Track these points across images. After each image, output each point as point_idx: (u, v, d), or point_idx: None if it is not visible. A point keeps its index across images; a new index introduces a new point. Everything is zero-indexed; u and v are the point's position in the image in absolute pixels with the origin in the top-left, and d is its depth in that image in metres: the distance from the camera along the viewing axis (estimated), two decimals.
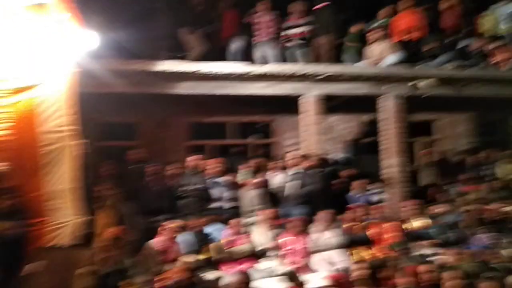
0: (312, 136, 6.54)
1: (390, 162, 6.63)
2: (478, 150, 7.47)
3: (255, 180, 5.94)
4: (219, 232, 5.26)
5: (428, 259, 4.84)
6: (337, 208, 5.67)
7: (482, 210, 5.94)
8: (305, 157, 6.23)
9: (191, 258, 4.59)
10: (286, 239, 5.21)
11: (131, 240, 3.82)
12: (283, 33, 6.60)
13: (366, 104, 6.87)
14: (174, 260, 4.59)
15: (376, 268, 4.32)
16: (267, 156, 7.33)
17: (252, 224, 5.62)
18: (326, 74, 6.46)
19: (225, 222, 5.51)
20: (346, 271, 4.51)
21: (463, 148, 8.00)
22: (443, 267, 4.41)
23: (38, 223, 4.18)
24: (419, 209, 5.90)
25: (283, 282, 4.44)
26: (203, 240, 5.07)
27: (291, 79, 6.50)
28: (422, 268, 4.23)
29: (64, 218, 4.20)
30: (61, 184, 4.18)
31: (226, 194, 5.81)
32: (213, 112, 7.41)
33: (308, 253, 5.15)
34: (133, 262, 3.53)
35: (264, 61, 6.41)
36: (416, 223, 5.73)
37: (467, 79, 6.84)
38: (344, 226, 5.51)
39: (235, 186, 5.98)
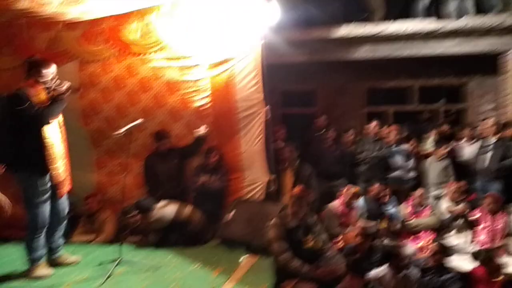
0: None
1: None
2: None
3: (442, 150, 5.43)
4: (394, 203, 5.08)
5: None
6: None
7: None
8: (506, 125, 5.35)
9: (369, 224, 4.57)
10: (478, 216, 4.67)
11: (312, 201, 4.03)
12: None
13: None
14: (352, 224, 4.66)
15: None
16: (456, 123, 6.58)
17: (437, 197, 5.21)
18: None
19: (405, 193, 5.27)
20: None
21: None
22: None
23: (235, 179, 4.84)
24: None
25: (474, 262, 4.03)
26: (381, 209, 4.98)
27: (489, 33, 5.58)
28: None
29: (255, 176, 4.74)
30: (253, 146, 4.68)
31: (407, 163, 5.51)
32: (393, 76, 7.00)
33: (504, 234, 4.51)
34: (314, 220, 3.72)
35: (460, 14, 5.62)
36: None
37: None
38: None
39: (418, 155, 5.60)
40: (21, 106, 3.30)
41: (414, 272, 3.64)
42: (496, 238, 4.50)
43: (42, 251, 3.55)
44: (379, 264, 3.66)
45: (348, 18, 6.23)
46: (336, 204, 4.82)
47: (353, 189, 4.86)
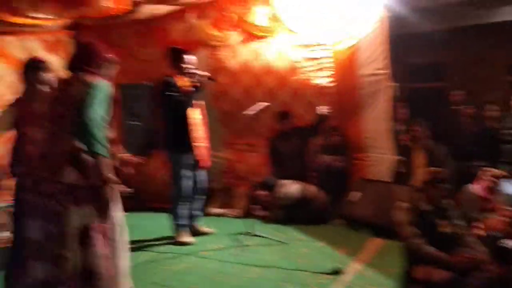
0: None
1: None
2: None
3: None
4: None
5: None
6: None
7: None
8: None
9: None
10: None
11: (446, 182, 3.69)
12: None
13: None
14: (494, 210, 4.17)
15: None
16: None
17: None
18: None
19: None
20: None
21: None
22: None
23: (359, 158, 4.71)
24: None
25: None
26: None
27: None
28: None
29: (380, 155, 4.55)
30: (377, 124, 4.49)
31: None
32: None
33: None
34: (449, 204, 3.42)
35: None
36: None
37: None
38: None
39: None
40: (170, 91, 3.75)
41: None
42: None
43: (186, 220, 4.01)
44: None
45: None
46: (476, 188, 4.35)
47: (497, 171, 4.32)
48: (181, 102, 3.78)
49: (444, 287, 2.87)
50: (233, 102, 5.14)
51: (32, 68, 2.70)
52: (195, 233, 4.13)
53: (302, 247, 3.76)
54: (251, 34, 4.85)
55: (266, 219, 4.67)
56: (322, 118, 4.75)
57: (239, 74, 5.04)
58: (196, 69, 3.93)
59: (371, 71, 4.43)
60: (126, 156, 2.53)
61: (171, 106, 3.82)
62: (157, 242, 4.02)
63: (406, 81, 6.47)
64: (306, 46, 4.65)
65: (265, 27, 4.77)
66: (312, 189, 4.55)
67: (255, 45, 4.89)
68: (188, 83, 3.86)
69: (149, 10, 4.71)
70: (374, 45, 4.39)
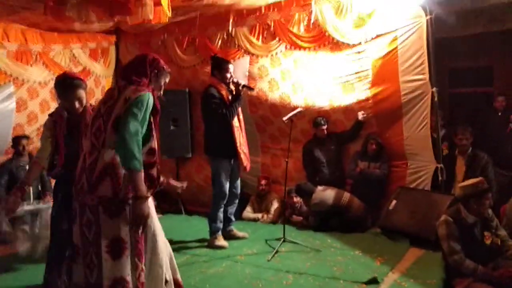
0: None
1: None
2: None
3: None
4: None
5: None
6: None
7: None
8: None
9: None
10: None
11: (488, 192, 3.52)
12: None
13: None
14: None
15: None
16: None
17: None
18: None
19: None
20: None
21: None
22: None
23: (398, 166, 4.59)
24: None
25: None
26: None
27: None
28: None
29: (421, 163, 4.41)
30: (417, 131, 4.35)
31: None
32: None
33: None
34: (493, 215, 3.28)
35: None
36: None
37: None
38: None
39: None
40: (214, 101, 3.89)
41: None
42: None
43: (221, 224, 4.08)
44: None
45: None
46: None
47: None
48: (226, 112, 3.91)
49: None
50: (268, 108, 5.16)
51: (65, 85, 2.73)
52: (230, 237, 4.18)
53: (337, 255, 3.71)
54: (292, 44, 4.88)
55: (300, 226, 4.65)
56: (358, 124, 4.67)
57: (277, 82, 5.05)
58: (235, 78, 4.04)
59: (411, 76, 4.32)
60: (173, 182, 2.70)
61: (216, 115, 3.93)
62: (192, 245, 4.11)
63: (448, 86, 6.27)
64: (347, 53, 4.60)
65: (305, 36, 4.79)
66: (347, 196, 4.48)
67: (296, 55, 4.91)
68: (226, 92, 3.99)
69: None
70: (415, 49, 4.28)
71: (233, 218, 4.28)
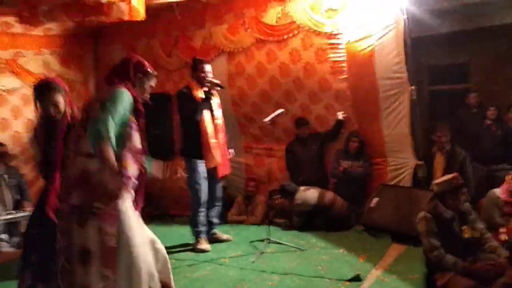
0: None
1: None
2: None
3: None
4: None
5: None
6: None
7: None
8: None
9: None
10: None
11: (465, 187, 3.59)
12: None
13: None
14: None
15: None
16: None
17: None
18: None
19: None
20: None
21: None
22: None
23: (379, 163, 4.65)
24: None
25: None
26: None
27: None
28: None
29: (401, 160, 4.48)
30: (397, 128, 4.42)
31: None
32: None
33: None
34: (471, 209, 3.34)
35: None
36: None
37: None
38: None
39: None
40: (184, 101, 3.85)
41: None
42: None
43: (203, 227, 4.05)
44: None
45: None
46: (498, 192, 4.23)
47: None
48: (194, 110, 3.85)
49: None
50: (250, 107, 5.17)
51: (40, 89, 2.64)
52: (215, 240, 4.16)
53: (321, 254, 3.74)
54: (264, 36, 4.84)
55: (284, 226, 4.67)
56: (339, 123, 4.72)
57: (255, 78, 5.05)
58: (211, 77, 3.99)
59: (389, 74, 4.37)
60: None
61: (186, 114, 3.92)
62: (175, 249, 4.07)
63: (426, 83, 6.37)
64: (322, 47, 4.59)
65: (277, 27, 4.75)
66: (330, 195, 4.52)
67: (268, 47, 4.88)
68: (201, 93, 3.94)
69: None
70: (392, 47, 4.33)
71: (215, 221, 4.23)
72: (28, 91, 4.95)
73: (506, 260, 2.95)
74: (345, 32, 4.47)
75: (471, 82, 6.42)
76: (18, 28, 4.86)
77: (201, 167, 3.95)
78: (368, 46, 4.40)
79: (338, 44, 4.53)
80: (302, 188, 4.58)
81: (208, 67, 4.02)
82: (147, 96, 2.31)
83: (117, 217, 2.00)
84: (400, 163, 4.48)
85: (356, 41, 4.46)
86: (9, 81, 5.09)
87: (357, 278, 3.11)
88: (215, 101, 4.06)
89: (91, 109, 2.10)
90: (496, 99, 5.47)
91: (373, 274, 3.23)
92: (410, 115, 4.36)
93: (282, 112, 4.29)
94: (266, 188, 5.10)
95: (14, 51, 5.08)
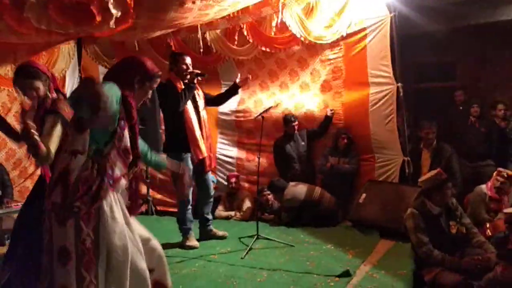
0: None
1: None
2: None
3: None
4: None
5: None
6: None
7: None
8: None
9: None
10: None
11: (451, 183, 3.64)
12: None
13: None
14: (502, 210, 4.10)
15: None
16: None
17: None
18: None
19: None
20: None
21: None
22: None
23: (366, 160, 4.68)
24: None
25: None
26: None
27: None
28: None
29: (388, 157, 4.51)
30: (384, 125, 4.45)
31: None
32: None
33: None
34: (457, 204, 3.39)
35: None
36: None
37: None
38: None
39: None
40: (166, 94, 3.76)
41: None
42: None
43: (190, 223, 4.00)
44: None
45: None
46: (484, 188, 4.29)
47: (507, 172, 4.25)
48: (178, 101, 3.76)
49: None
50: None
51: (17, 74, 2.49)
52: (211, 237, 4.12)
53: (310, 250, 3.74)
54: (268, 46, 4.94)
55: (273, 222, 4.66)
56: (329, 119, 4.74)
57: (267, 82, 5.22)
58: (190, 69, 3.93)
59: (377, 72, 4.41)
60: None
61: (169, 106, 3.82)
62: (163, 246, 3.99)
63: (413, 81, 6.43)
64: (319, 49, 4.72)
65: (278, 37, 4.85)
66: (319, 191, 4.53)
67: (276, 56, 5.04)
68: (181, 85, 3.87)
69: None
70: (379, 46, 4.36)
71: (209, 217, 4.18)
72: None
73: (493, 255, 3.00)
74: (337, 33, 4.56)
75: (458, 80, 6.51)
76: None
77: (188, 162, 3.86)
78: (358, 46, 4.48)
79: (331, 45, 4.67)
80: (291, 184, 4.58)
81: (188, 59, 3.96)
82: (148, 97, 2.20)
83: (98, 219, 1.94)
84: (387, 159, 4.52)
85: (349, 41, 4.57)
86: None
87: (346, 274, 3.11)
88: (199, 93, 4.02)
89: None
90: (483, 96, 5.55)
91: (362, 270, 3.24)
92: (397, 112, 4.39)
93: (271, 107, 4.29)
94: (254, 184, 5.07)
95: None
